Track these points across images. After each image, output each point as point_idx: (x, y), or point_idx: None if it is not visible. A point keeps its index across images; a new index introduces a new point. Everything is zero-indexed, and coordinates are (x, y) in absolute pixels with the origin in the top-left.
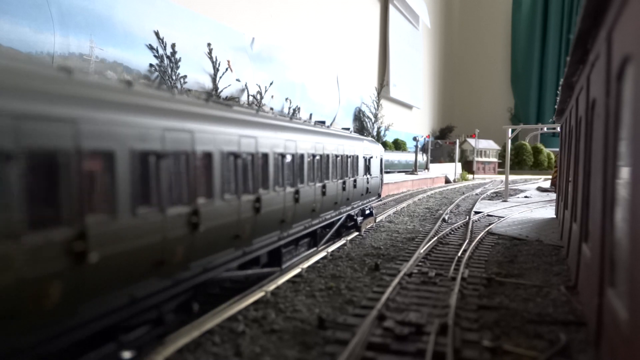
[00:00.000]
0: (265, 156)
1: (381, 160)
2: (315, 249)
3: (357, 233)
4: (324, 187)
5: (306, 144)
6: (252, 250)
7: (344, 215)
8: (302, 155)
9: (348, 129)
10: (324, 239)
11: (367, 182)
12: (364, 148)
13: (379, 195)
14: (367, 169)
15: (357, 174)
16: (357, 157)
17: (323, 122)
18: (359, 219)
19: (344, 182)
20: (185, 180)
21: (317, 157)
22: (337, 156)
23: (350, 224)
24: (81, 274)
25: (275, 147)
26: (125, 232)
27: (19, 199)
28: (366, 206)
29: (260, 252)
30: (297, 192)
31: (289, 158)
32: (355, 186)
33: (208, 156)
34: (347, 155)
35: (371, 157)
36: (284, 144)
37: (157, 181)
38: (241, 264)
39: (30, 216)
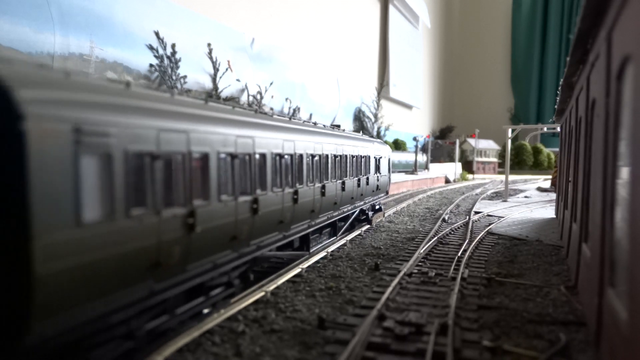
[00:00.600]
0: (300, 157)
1: (389, 160)
2: (334, 237)
3: (368, 226)
4: (343, 183)
5: (330, 146)
6: (290, 235)
7: (358, 209)
8: (327, 156)
9: (359, 131)
10: (341, 230)
11: (378, 180)
12: (375, 149)
13: (387, 192)
14: (377, 168)
15: (369, 173)
16: (369, 157)
17: (339, 126)
18: (370, 213)
19: (358, 180)
20: (249, 176)
21: (338, 158)
22: (353, 156)
23: (362, 218)
24: (190, 241)
25: (307, 149)
26: (214, 213)
27: (160, 185)
28: (376, 201)
29: (295, 236)
30: (323, 187)
31: (317, 158)
32: (367, 183)
33: (263, 157)
34: (361, 156)
35: (381, 158)
36: (313, 147)
37: (232, 176)
38: (280, 246)
39: (164, 198)
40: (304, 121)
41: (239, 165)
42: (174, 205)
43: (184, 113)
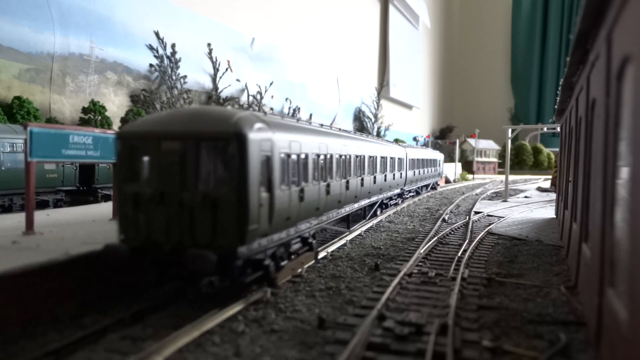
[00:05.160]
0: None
1: (442, 161)
2: (419, 193)
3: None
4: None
5: (421, 156)
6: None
7: (430, 183)
8: (416, 159)
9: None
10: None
11: (439, 170)
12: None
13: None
14: (438, 165)
15: (433, 167)
16: (435, 159)
17: (422, 145)
18: (435, 185)
19: (430, 169)
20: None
21: (422, 159)
22: (428, 159)
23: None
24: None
25: (415, 156)
26: (311, 191)
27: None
28: (435, 181)
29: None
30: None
31: (417, 160)
32: (435, 171)
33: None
34: (431, 159)
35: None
36: (419, 156)
37: (320, 169)
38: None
39: (293, 179)
40: (416, 145)
41: (322, 163)
42: (296, 184)
43: (295, 127)
